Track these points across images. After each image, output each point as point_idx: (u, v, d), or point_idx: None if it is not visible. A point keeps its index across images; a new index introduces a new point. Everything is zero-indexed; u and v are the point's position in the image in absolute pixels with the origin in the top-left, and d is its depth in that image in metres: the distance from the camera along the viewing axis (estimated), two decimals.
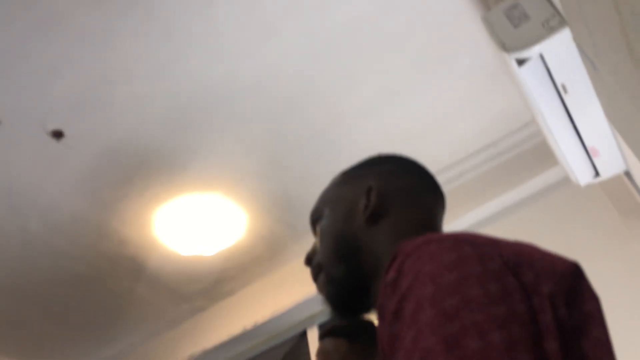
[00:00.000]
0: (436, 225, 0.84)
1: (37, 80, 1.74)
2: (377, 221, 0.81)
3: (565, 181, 1.80)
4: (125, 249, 2.38)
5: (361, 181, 0.87)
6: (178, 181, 2.16)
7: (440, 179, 0.94)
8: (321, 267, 0.86)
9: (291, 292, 2.46)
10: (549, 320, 0.53)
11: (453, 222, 2.08)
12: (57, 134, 1.88)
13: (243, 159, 2.14)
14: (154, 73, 1.79)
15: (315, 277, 0.87)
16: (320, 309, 2.24)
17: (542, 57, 1.18)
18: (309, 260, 0.89)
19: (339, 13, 1.73)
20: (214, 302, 2.76)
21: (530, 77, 1.22)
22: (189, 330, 2.79)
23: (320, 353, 0.87)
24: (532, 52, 1.17)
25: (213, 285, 2.66)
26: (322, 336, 0.89)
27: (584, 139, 1.34)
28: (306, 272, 0.91)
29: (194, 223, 2.32)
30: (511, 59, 1.20)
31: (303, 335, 2.55)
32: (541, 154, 2.04)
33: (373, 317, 0.84)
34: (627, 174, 1.49)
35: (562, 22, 1.15)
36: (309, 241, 0.93)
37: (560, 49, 1.16)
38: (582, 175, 1.44)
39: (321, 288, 0.86)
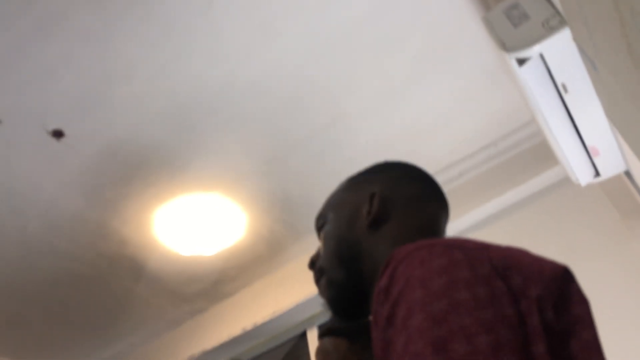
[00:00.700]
0: (438, 233, 0.85)
1: (37, 80, 1.74)
2: (379, 227, 0.82)
3: (566, 181, 1.80)
4: (125, 248, 2.37)
5: (366, 187, 0.87)
6: (178, 181, 2.16)
7: (440, 178, 0.94)
8: (323, 271, 0.87)
9: (291, 292, 2.46)
10: (537, 323, 0.53)
11: (453, 222, 2.07)
12: (58, 134, 1.88)
13: (243, 159, 2.14)
14: (154, 73, 1.80)
15: (317, 280, 0.88)
16: (320, 310, 2.24)
17: (542, 56, 1.18)
18: (312, 264, 0.90)
19: (339, 13, 1.74)
20: (213, 302, 2.76)
21: (531, 76, 1.22)
22: (189, 331, 2.79)
23: (320, 352, 0.87)
24: (532, 51, 1.17)
25: (213, 285, 2.66)
26: (322, 335, 0.89)
27: (584, 139, 1.34)
28: (306, 273, 0.92)
29: (193, 223, 2.32)
30: (511, 59, 1.20)
31: (303, 336, 2.55)
32: (541, 153, 2.04)
33: None
34: (627, 173, 1.49)
35: (562, 22, 1.15)
36: (309, 241, 0.94)
37: (560, 48, 1.16)
38: (583, 175, 1.44)
39: (322, 292, 0.87)
